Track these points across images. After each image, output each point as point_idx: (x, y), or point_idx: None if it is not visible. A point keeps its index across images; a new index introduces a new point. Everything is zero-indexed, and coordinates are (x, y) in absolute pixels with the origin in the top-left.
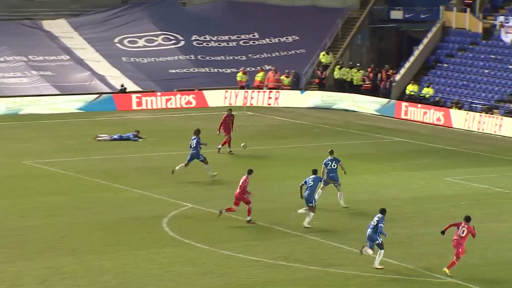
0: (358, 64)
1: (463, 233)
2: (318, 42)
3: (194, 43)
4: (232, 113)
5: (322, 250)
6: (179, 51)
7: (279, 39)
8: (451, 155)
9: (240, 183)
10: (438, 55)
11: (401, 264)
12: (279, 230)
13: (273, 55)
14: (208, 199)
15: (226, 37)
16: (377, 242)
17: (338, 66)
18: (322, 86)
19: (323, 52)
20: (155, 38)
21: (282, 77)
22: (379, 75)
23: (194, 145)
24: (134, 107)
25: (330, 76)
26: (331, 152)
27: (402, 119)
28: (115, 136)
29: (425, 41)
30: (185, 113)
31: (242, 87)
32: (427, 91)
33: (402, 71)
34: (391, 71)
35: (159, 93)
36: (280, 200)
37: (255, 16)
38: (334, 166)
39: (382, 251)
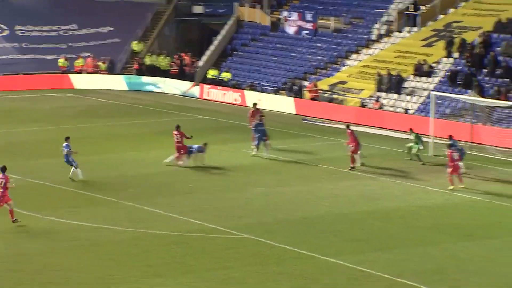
0: (165, 52)
1: None
2: (131, 33)
3: (18, 32)
4: (258, 107)
5: (139, 214)
6: (4, 39)
7: (96, 30)
8: (247, 130)
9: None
10: (235, 44)
11: (205, 224)
12: (100, 197)
13: (91, 43)
14: (38, 172)
15: (48, 28)
16: None
17: (149, 54)
18: (139, 71)
19: (135, 41)
20: None
21: (99, 63)
22: (184, 61)
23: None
24: None
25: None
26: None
27: (205, 99)
28: None
29: (223, 32)
30: (11, 95)
31: (63, 72)
32: (226, 75)
33: (204, 58)
34: (194, 58)
35: None
36: (99, 171)
37: (74, 10)
38: None
39: None
